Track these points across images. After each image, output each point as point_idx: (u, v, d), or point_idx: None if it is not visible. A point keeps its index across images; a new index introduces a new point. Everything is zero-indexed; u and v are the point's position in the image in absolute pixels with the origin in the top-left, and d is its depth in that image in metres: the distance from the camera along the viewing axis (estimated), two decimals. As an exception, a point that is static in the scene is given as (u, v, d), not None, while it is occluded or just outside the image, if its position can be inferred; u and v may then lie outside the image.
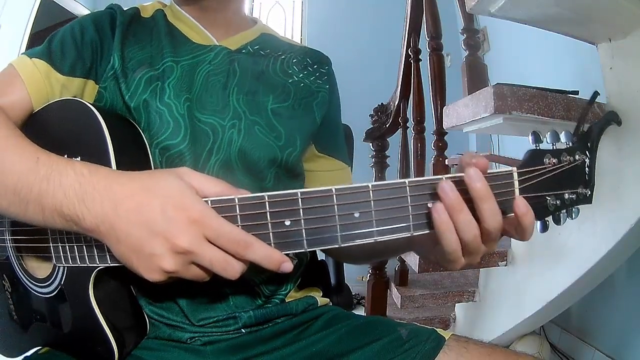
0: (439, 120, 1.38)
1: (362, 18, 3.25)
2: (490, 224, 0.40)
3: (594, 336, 1.62)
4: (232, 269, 0.40)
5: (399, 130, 1.85)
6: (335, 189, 0.40)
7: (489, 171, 0.41)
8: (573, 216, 0.45)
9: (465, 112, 1.08)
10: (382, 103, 1.95)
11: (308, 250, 0.41)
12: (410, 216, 0.41)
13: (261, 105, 0.62)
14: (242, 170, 0.59)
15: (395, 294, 1.60)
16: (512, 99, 0.94)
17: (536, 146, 0.43)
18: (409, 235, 0.41)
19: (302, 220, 0.40)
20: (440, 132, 1.43)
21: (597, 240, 1.01)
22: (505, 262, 1.36)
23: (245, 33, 0.69)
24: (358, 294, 2.70)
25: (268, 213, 0.40)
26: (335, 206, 0.40)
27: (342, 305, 0.70)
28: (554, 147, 0.44)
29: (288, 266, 0.40)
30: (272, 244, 0.41)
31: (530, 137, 0.44)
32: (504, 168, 0.43)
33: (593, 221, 1.02)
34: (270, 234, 0.40)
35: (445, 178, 0.40)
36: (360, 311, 2.32)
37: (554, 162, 0.43)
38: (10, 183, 0.43)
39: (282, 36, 0.75)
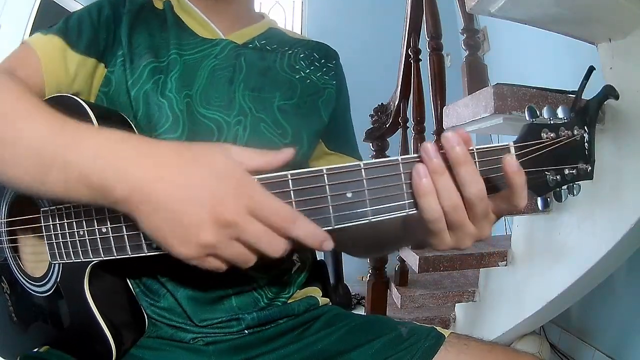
0: (439, 120, 1.38)
1: (362, 18, 3.24)
2: (469, 191, 0.39)
3: (594, 336, 1.62)
4: (278, 244, 0.38)
5: (399, 130, 1.85)
6: (326, 169, 0.39)
7: (485, 145, 0.41)
8: (575, 193, 0.43)
9: (465, 112, 1.08)
10: (382, 103, 1.95)
11: None
12: (405, 194, 0.40)
13: (267, 102, 0.61)
14: None
15: (395, 294, 1.60)
16: (512, 99, 0.94)
17: (532, 120, 0.42)
18: (405, 213, 0.40)
19: (294, 202, 0.39)
20: (440, 132, 1.42)
21: (597, 240, 1.01)
22: (505, 262, 1.35)
23: (252, 27, 0.67)
24: (358, 294, 2.70)
25: None
26: (327, 186, 0.39)
27: (341, 305, 0.70)
28: (551, 122, 0.42)
29: (329, 245, 0.39)
30: None
31: (526, 112, 0.42)
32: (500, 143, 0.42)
33: (593, 221, 1.02)
34: None
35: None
36: (360, 311, 2.31)
37: (551, 137, 0.42)
38: (34, 146, 0.39)
39: (289, 31, 0.74)
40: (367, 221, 0.40)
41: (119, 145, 0.38)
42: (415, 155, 0.40)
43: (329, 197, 0.39)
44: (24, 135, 0.40)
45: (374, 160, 0.40)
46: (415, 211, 0.40)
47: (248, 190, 0.37)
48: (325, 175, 0.39)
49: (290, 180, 0.39)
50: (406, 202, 0.40)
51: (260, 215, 0.37)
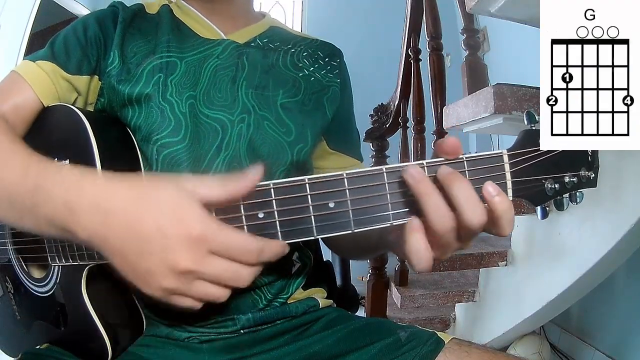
0: (439, 120, 1.39)
1: (362, 18, 3.24)
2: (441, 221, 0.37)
3: (594, 336, 1.62)
4: (243, 278, 0.38)
5: (399, 130, 1.85)
6: (307, 178, 0.39)
7: (478, 153, 0.39)
8: (577, 201, 0.41)
9: (465, 112, 1.09)
10: (382, 103, 1.95)
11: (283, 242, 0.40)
12: (390, 204, 0.39)
13: (270, 99, 0.61)
14: (251, 166, 0.58)
15: (395, 294, 1.60)
16: (512, 99, 0.94)
17: (531, 126, 0.40)
18: (389, 224, 0.39)
19: (276, 212, 0.39)
20: (440, 132, 1.43)
21: (597, 240, 1.01)
22: (505, 262, 1.36)
23: (253, 26, 0.67)
24: (358, 294, 2.70)
25: (241, 205, 0.39)
26: (309, 196, 0.39)
27: (347, 307, 0.70)
28: None
29: (286, 247, 0.40)
30: None
31: (525, 117, 0.40)
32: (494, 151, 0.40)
33: (593, 221, 1.02)
34: (245, 226, 0.39)
35: (426, 163, 0.38)
36: (360, 311, 2.31)
37: None
38: (4, 193, 0.43)
39: (291, 29, 0.74)
40: (350, 232, 0.39)
41: (73, 189, 0.39)
42: (400, 165, 0.39)
43: (311, 207, 0.39)
44: None
45: (357, 170, 0.39)
46: (400, 222, 0.39)
47: (203, 233, 0.35)
48: (307, 184, 0.39)
49: (272, 190, 0.39)
50: (390, 212, 0.39)
51: (224, 255, 0.36)
